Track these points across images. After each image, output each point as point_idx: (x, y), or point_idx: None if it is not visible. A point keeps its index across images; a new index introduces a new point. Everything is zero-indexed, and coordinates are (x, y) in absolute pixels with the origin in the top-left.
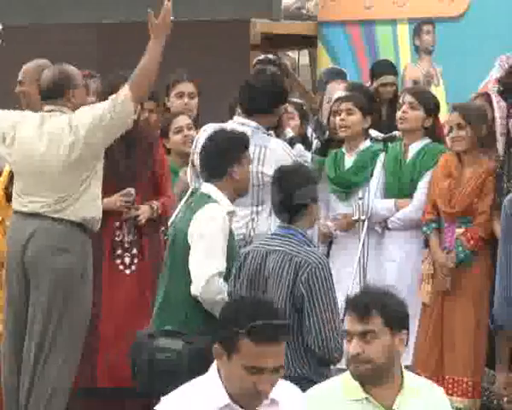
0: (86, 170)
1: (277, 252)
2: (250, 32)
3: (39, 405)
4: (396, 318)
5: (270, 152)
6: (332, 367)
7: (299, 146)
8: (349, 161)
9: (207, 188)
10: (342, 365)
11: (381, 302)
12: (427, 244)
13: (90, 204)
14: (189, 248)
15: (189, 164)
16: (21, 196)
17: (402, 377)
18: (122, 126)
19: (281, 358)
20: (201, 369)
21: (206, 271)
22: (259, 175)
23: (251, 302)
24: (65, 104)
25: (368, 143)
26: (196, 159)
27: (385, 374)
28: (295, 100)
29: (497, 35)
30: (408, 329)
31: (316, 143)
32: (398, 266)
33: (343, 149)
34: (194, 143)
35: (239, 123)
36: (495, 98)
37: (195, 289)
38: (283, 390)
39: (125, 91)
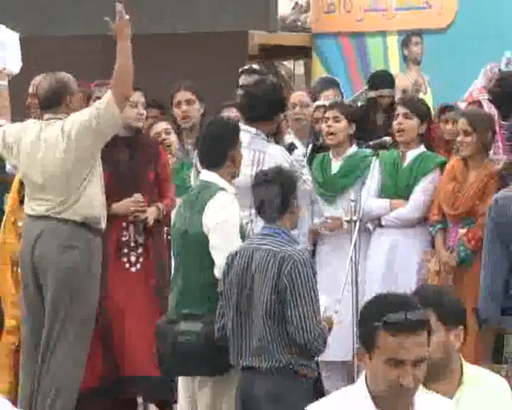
0: (83, 172)
1: (263, 250)
2: (248, 43)
3: (44, 405)
4: (450, 313)
5: (269, 157)
6: (319, 360)
7: (297, 151)
8: (336, 165)
9: (209, 176)
10: (329, 357)
11: (434, 299)
12: (433, 244)
13: (90, 203)
14: (204, 236)
15: (193, 166)
16: (30, 200)
17: (461, 371)
18: (110, 128)
19: (421, 349)
20: (219, 349)
21: (226, 255)
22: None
23: (385, 296)
24: (63, 111)
25: (354, 148)
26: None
27: (442, 370)
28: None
29: (481, 46)
30: (465, 325)
31: (309, 149)
32: (390, 264)
33: (330, 155)
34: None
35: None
36: (486, 106)
37: (219, 273)
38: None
39: (107, 95)
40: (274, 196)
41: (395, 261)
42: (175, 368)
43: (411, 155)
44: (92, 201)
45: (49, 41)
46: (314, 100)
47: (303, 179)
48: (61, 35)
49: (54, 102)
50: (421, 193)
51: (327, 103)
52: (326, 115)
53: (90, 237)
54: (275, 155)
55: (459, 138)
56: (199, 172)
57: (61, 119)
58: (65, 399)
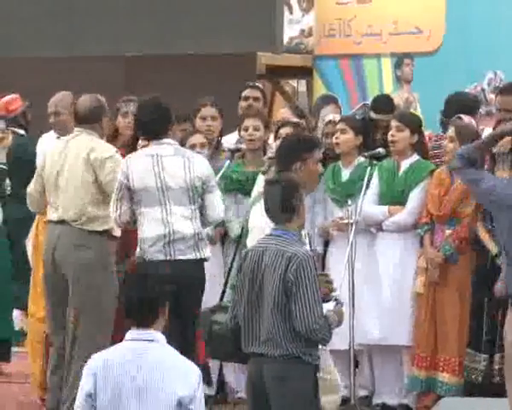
0: (93, 194)
1: (272, 249)
2: (256, 63)
3: (66, 394)
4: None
5: (195, 161)
6: (327, 349)
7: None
8: (345, 173)
9: None
10: (335, 346)
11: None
12: (422, 243)
13: (100, 219)
14: None
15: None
16: (51, 208)
17: None
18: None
19: None
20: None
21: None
22: (191, 180)
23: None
24: (95, 129)
25: (361, 158)
26: None
27: None
28: (295, 120)
29: (466, 66)
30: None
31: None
32: (391, 263)
33: (339, 164)
34: None
35: (160, 143)
36: (466, 119)
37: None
38: None
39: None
40: (281, 199)
41: (397, 261)
42: (212, 353)
43: (406, 163)
44: (101, 217)
45: (72, 61)
46: (303, 115)
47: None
48: (84, 55)
49: (90, 120)
50: (415, 199)
51: (337, 118)
52: (335, 128)
53: (102, 238)
54: (197, 159)
55: (444, 143)
56: None
57: (91, 133)
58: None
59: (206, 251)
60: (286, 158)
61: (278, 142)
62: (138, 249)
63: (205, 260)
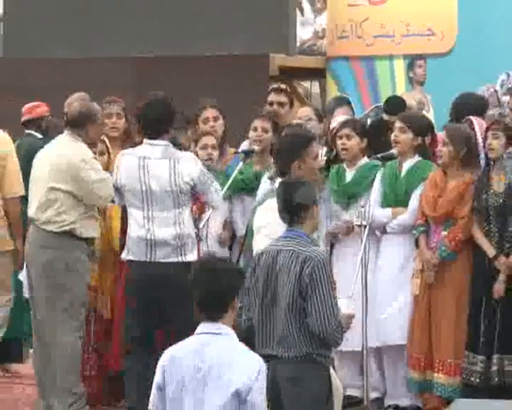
0: (59, 196)
1: (286, 251)
2: (269, 65)
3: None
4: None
5: (183, 161)
6: (341, 349)
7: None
8: (349, 175)
9: None
10: (347, 347)
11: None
12: (417, 245)
13: (64, 222)
14: None
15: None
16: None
17: None
18: None
19: None
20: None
21: None
22: (177, 182)
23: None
24: (81, 135)
25: (365, 159)
26: None
27: None
28: (296, 121)
29: (479, 68)
30: None
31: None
32: (396, 265)
33: (344, 165)
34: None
35: (150, 144)
36: (476, 123)
37: None
38: None
39: (111, 187)
40: (295, 200)
41: (403, 263)
42: None
43: (407, 165)
44: (72, 222)
45: (85, 62)
46: (322, 116)
47: (214, 187)
48: (98, 57)
49: (76, 124)
50: (416, 200)
51: (342, 120)
52: (339, 134)
53: (65, 240)
54: (186, 160)
55: (438, 148)
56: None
57: (76, 138)
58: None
59: (192, 255)
60: (284, 158)
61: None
62: (125, 247)
63: (190, 263)
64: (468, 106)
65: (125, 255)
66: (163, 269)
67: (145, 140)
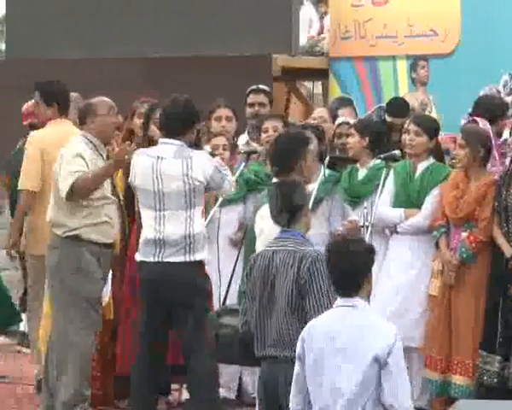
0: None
1: (283, 251)
2: (272, 65)
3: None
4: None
5: (195, 160)
6: None
7: (216, 159)
8: (361, 174)
9: None
10: None
11: None
12: (437, 246)
13: (70, 225)
14: None
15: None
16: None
17: None
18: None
19: None
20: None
21: None
22: (190, 181)
23: None
24: (86, 130)
25: (377, 160)
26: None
27: None
28: (313, 122)
29: (482, 69)
30: None
31: (327, 160)
32: (405, 266)
33: (357, 165)
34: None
35: (165, 143)
36: (481, 123)
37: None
38: None
39: (70, 184)
40: (289, 201)
41: (410, 264)
42: (219, 357)
43: (422, 166)
44: (80, 225)
45: (95, 62)
46: (333, 117)
47: (227, 180)
48: (105, 57)
49: (80, 121)
50: (431, 203)
51: (351, 121)
52: (345, 132)
53: (72, 241)
54: (200, 158)
55: (455, 151)
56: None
57: (85, 136)
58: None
59: (201, 254)
60: (287, 159)
61: (271, 144)
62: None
63: (199, 262)
64: (488, 107)
65: (136, 256)
66: (170, 268)
67: (160, 139)
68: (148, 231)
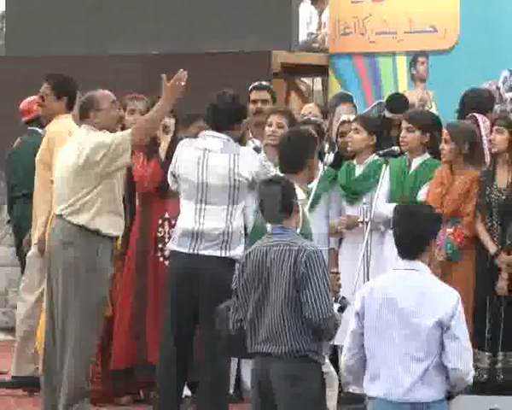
0: (88, 184)
1: (277, 246)
2: (272, 62)
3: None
4: None
5: (242, 157)
6: (338, 344)
7: (260, 155)
8: (358, 171)
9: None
10: (341, 342)
11: None
12: None
13: (94, 215)
14: None
15: None
16: (56, 202)
17: None
18: (118, 159)
19: None
20: None
21: None
22: (235, 177)
23: None
24: (90, 123)
25: (374, 156)
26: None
27: None
28: (314, 119)
29: (481, 66)
30: None
31: (327, 157)
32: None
33: (354, 161)
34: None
35: (211, 136)
36: (481, 119)
37: None
38: None
39: (128, 131)
40: (281, 198)
41: None
42: (230, 351)
43: (416, 162)
44: (97, 214)
45: (97, 60)
46: (326, 113)
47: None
48: (105, 55)
49: (82, 115)
50: (423, 197)
51: (351, 118)
52: (350, 127)
53: (90, 237)
54: (246, 155)
55: (441, 146)
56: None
57: (91, 129)
58: (69, 395)
59: (236, 251)
60: (300, 158)
61: (280, 141)
62: (172, 236)
63: (233, 259)
64: (477, 101)
65: (169, 244)
66: (204, 261)
67: (207, 132)
68: (186, 222)
